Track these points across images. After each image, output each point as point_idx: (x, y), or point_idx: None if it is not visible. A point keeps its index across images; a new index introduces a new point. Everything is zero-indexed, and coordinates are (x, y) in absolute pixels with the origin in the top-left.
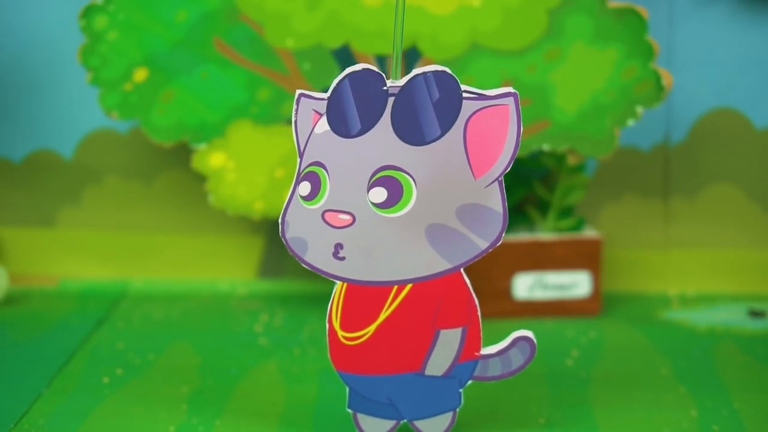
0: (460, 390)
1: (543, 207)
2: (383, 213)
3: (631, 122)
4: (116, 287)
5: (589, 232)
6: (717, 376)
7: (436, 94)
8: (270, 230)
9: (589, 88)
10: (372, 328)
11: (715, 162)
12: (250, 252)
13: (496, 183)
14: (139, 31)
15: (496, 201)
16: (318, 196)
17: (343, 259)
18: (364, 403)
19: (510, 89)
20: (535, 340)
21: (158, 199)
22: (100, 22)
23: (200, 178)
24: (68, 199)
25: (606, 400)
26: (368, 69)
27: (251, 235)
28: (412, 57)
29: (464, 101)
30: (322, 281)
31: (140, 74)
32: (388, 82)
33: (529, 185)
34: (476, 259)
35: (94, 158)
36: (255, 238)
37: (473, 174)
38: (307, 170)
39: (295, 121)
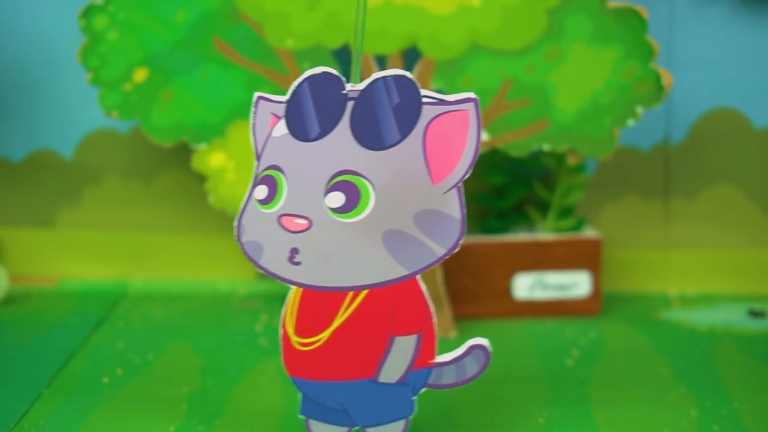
0: (414, 398)
1: (543, 207)
2: (340, 218)
3: (631, 122)
4: (116, 287)
5: (589, 232)
6: (717, 376)
7: (396, 99)
8: None
9: (589, 88)
10: (326, 333)
11: (715, 162)
12: None
13: (455, 189)
14: (139, 31)
15: (454, 207)
16: (274, 200)
17: (298, 263)
18: (317, 409)
19: (470, 95)
20: (489, 348)
21: (158, 199)
22: (100, 22)
23: (200, 178)
24: (68, 199)
25: (606, 400)
26: (328, 72)
27: None
28: (412, 57)
29: (424, 106)
30: None
31: (140, 74)
32: (348, 86)
33: (529, 185)
34: (432, 266)
35: (94, 158)
36: None
37: (432, 180)
38: (264, 174)
39: (254, 124)
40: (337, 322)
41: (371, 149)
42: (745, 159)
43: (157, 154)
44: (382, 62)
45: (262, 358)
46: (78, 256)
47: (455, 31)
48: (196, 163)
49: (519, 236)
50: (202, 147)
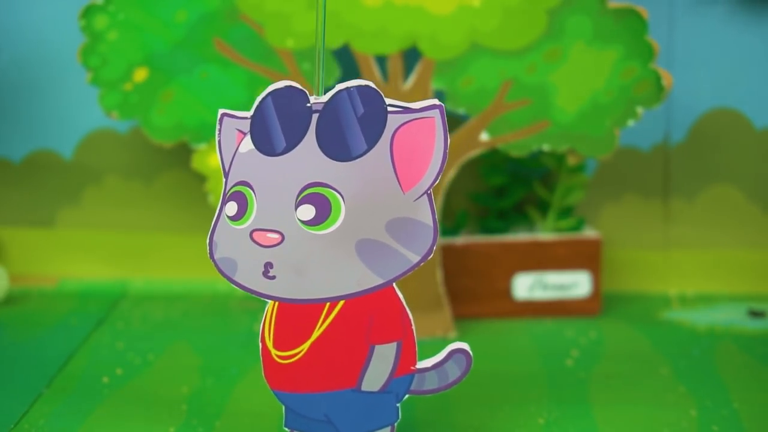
0: (398, 405)
1: (543, 207)
2: (312, 230)
3: (631, 122)
4: (116, 287)
5: (589, 232)
6: (717, 376)
7: (361, 109)
8: None
9: (589, 89)
10: (306, 346)
11: (715, 162)
12: None
13: (426, 196)
14: (139, 31)
15: (426, 214)
16: (245, 215)
17: (273, 278)
18: (301, 421)
19: (435, 101)
20: (470, 352)
21: (158, 199)
22: (100, 22)
23: (200, 178)
24: (68, 199)
25: (606, 399)
26: (291, 86)
27: None
28: (412, 57)
29: (390, 115)
30: None
31: (140, 74)
32: (312, 98)
33: (529, 185)
34: (408, 273)
35: (94, 158)
36: None
37: (402, 188)
38: (233, 190)
39: (219, 141)
40: (316, 333)
41: (339, 160)
42: (745, 159)
43: (157, 154)
44: (382, 62)
45: None
46: (78, 256)
47: (455, 31)
48: (196, 163)
49: (519, 236)
50: (202, 147)
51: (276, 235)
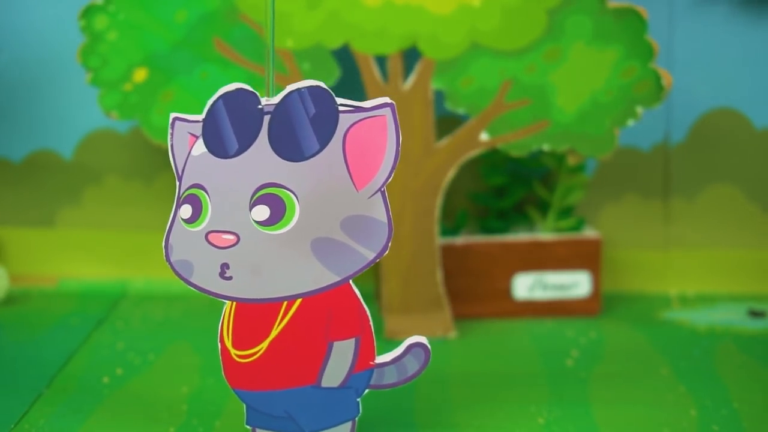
0: (358, 399)
1: (543, 207)
2: (267, 230)
3: (630, 122)
4: (116, 287)
5: (589, 232)
6: (717, 376)
7: (312, 109)
8: None
9: (589, 88)
10: (264, 344)
11: (715, 162)
12: None
13: (379, 193)
14: (139, 32)
15: (380, 211)
16: (200, 218)
17: (230, 278)
18: (263, 418)
19: (386, 99)
20: (429, 346)
21: (158, 199)
22: (100, 22)
23: None
24: (68, 199)
25: (606, 399)
26: (242, 88)
27: None
28: (412, 57)
29: (341, 114)
30: None
31: (140, 74)
32: (263, 100)
33: (529, 185)
34: (364, 270)
35: (93, 158)
36: None
37: (355, 186)
38: (186, 193)
39: (171, 145)
40: (275, 332)
41: (292, 161)
42: (745, 159)
43: (157, 154)
44: (382, 62)
45: None
46: (78, 256)
47: (455, 31)
48: None
49: (519, 236)
50: None
51: (231, 237)
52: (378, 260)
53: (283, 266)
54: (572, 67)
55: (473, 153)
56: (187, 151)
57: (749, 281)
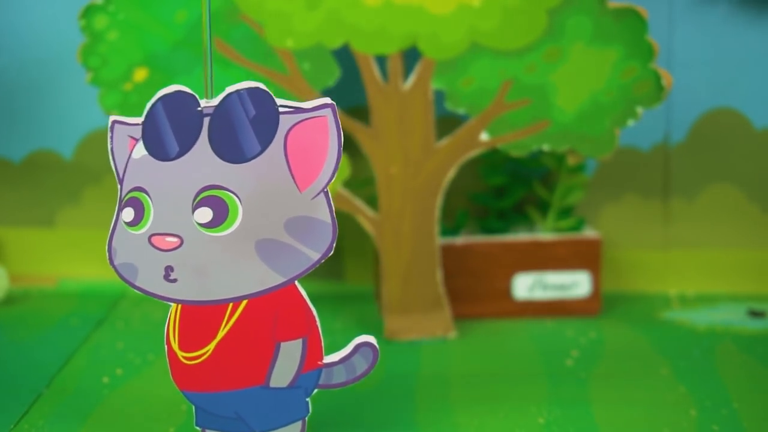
0: (307, 399)
1: (543, 207)
2: (211, 233)
3: (630, 122)
4: (116, 287)
5: (588, 232)
6: (717, 376)
7: (252, 111)
8: None
9: (589, 89)
10: (211, 346)
11: (715, 162)
12: None
13: (323, 194)
14: (139, 31)
15: (324, 212)
16: (143, 221)
17: (174, 281)
18: (212, 419)
19: (327, 100)
20: (377, 345)
21: None
22: (100, 22)
23: None
24: (68, 199)
25: (606, 399)
26: (180, 91)
27: None
28: (412, 57)
29: (282, 116)
30: (322, 281)
31: (140, 74)
32: (203, 102)
33: (529, 185)
34: (309, 271)
35: (93, 158)
36: None
37: (298, 187)
38: (128, 196)
39: (111, 149)
40: (221, 333)
41: (233, 162)
42: (744, 159)
43: None
44: (382, 62)
45: None
46: (78, 256)
47: (455, 31)
48: None
49: (519, 236)
50: None
51: (174, 239)
52: (323, 261)
53: (227, 268)
54: (572, 67)
55: (473, 153)
56: (128, 154)
57: (749, 281)
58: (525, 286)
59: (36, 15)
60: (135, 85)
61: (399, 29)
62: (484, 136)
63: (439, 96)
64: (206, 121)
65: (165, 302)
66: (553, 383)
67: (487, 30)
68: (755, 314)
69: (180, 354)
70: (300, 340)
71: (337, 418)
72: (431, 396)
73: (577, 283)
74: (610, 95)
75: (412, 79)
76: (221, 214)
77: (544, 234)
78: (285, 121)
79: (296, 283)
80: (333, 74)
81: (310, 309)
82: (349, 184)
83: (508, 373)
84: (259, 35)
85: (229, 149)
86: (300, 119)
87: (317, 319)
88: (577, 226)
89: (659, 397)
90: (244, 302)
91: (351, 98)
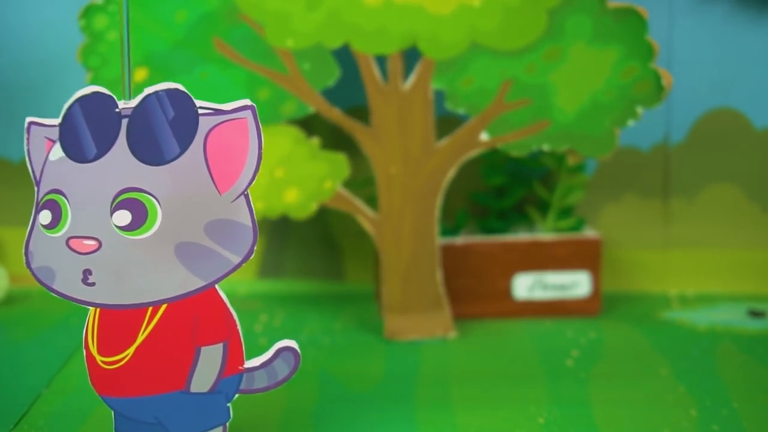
0: (228, 404)
1: (543, 207)
2: (129, 235)
3: (630, 122)
4: None
5: (588, 232)
6: (717, 376)
7: (171, 113)
8: (270, 231)
9: (589, 88)
10: (131, 350)
11: (715, 162)
12: None
13: (243, 197)
14: (139, 31)
15: (244, 215)
16: (60, 223)
17: (93, 284)
18: (131, 424)
19: (247, 102)
20: (298, 350)
21: None
22: (100, 22)
23: None
24: None
25: (606, 399)
26: (98, 92)
27: None
28: (412, 57)
29: (201, 117)
30: (323, 281)
31: (140, 74)
32: (121, 104)
33: (529, 185)
34: (230, 274)
35: None
36: None
37: (218, 190)
38: (45, 198)
39: (28, 150)
40: (140, 338)
41: (152, 165)
42: (744, 159)
43: None
44: (382, 62)
45: None
46: None
47: (455, 31)
48: None
49: (519, 236)
50: None
51: (93, 242)
52: (243, 264)
53: (146, 271)
54: (572, 67)
55: (473, 153)
56: (44, 156)
57: (749, 281)
58: (525, 286)
59: (36, 15)
60: (135, 85)
61: (399, 29)
62: (484, 136)
63: (439, 96)
64: (125, 122)
65: (85, 306)
66: (553, 383)
67: (487, 30)
68: (755, 314)
69: (99, 358)
70: (221, 345)
71: (337, 417)
72: (431, 396)
73: (577, 283)
74: (610, 95)
75: (412, 79)
76: (140, 216)
77: (544, 234)
78: (204, 123)
79: (216, 286)
80: (333, 74)
81: (230, 313)
82: (349, 184)
83: (508, 373)
84: (259, 35)
85: (148, 151)
86: (220, 121)
87: (238, 323)
88: (577, 226)
89: (659, 397)
90: (164, 306)
91: (351, 98)
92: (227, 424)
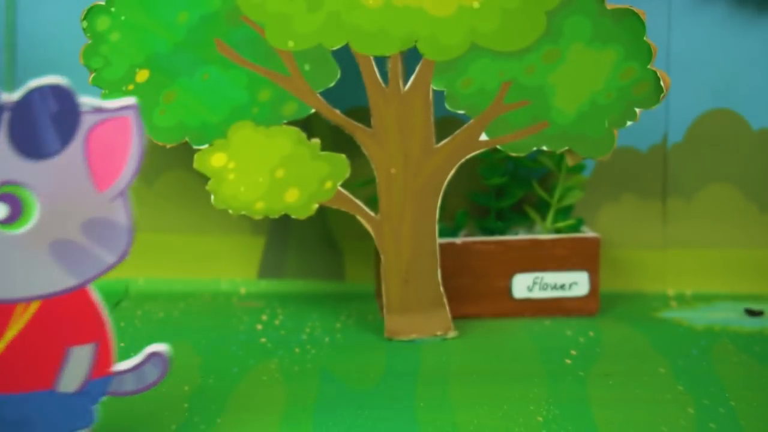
0: (95, 406)
1: (542, 207)
2: (4, 230)
3: (629, 123)
4: (118, 287)
5: (587, 232)
6: (714, 375)
7: (54, 108)
8: (271, 230)
9: (588, 90)
10: None
11: (713, 162)
12: (251, 252)
13: (122, 196)
14: (140, 33)
15: (122, 214)
16: None
17: None
18: None
19: (130, 101)
20: (167, 355)
21: (160, 200)
22: (103, 23)
23: (202, 179)
24: None
25: (604, 398)
26: None
27: (252, 235)
28: (412, 58)
29: (84, 114)
30: (323, 281)
31: (142, 75)
32: (2, 96)
33: (528, 185)
34: (104, 274)
35: None
36: (256, 238)
37: (97, 188)
38: None
39: None
40: (10, 334)
41: (31, 159)
42: (742, 159)
43: (159, 154)
44: (382, 63)
45: (263, 357)
46: None
47: (455, 33)
48: (198, 163)
49: (518, 236)
50: (203, 146)
51: None
52: (119, 264)
53: (20, 267)
54: (571, 68)
55: (473, 153)
56: None
57: (747, 281)
58: (524, 285)
59: (39, 16)
60: (137, 86)
61: (399, 30)
62: (483, 137)
63: (439, 96)
64: (6, 115)
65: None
66: (552, 382)
67: (486, 31)
68: (752, 313)
69: None
70: (90, 346)
71: (338, 416)
72: (431, 395)
73: (575, 283)
74: (608, 96)
75: (412, 80)
76: (16, 211)
77: (543, 234)
78: (87, 120)
79: (89, 286)
80: (333, 75)
81: (102, 314)
82: (349, 184)
83: (508, 372)
84: (260, 36)
85: (29, 145)
86: (101, 118)
87: (109, 324)
88: (576, 226)
89: (657, 396)
90: (36, 303)
91: (351, 99)
92: (92, 427)
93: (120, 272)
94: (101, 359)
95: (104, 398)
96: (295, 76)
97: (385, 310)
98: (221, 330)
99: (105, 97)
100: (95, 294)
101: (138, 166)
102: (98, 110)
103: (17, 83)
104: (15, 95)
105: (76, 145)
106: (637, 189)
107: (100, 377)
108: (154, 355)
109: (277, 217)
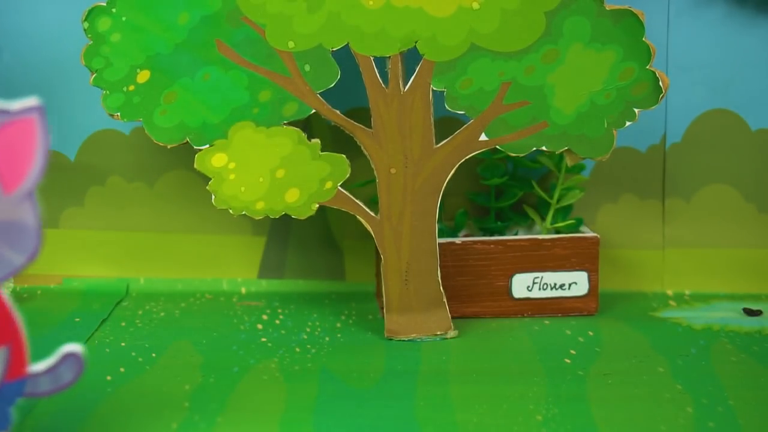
0: (11, 409)
1: (541, 207)
2: None
3: (628, 123)
4: (119, 286)
5: (586, 232)
6: (713, 374)
7: None
8: (271, 230)
9: (587, 90)
10: None
11: (711, 163)
12: (252, 252)
13: (29, 197)
14: (141, 33)
15: (30, 216)
16: None
17: None
18: None
19: (34, 102)
20: (82, 356)
21: (161, 200)
22: (104, 24)
23: (203, 179)
24: (72, 199)
25: (603, 397)
26: None
27: (253, 235)
28: (411, 58)
29: None
30: (323, 281)
31: (143, 76)
32: None
33: (528, 185)
34: (11, 276)
35: (97, 159)
36: (257, 238)
37: (4, 190)
38: None
39: None
40: None
41: None
42: (740, 160)
43: (160, 154)
44: (382, 63)
45: (263, 356)
46: (82, 255)
47: (455, 33)
48: (199, 163)
49: (517, 236)
50: (204, 148)
51: None
52: (27, 265)
53: None
54: (570, 68)
55: (473, 154)
56: None
57: (745, 280)
58: (524, 285)
59: (40, 17)
60: (138, 87)
61: (399, 31)
62: (483, 137)
63: (439, 96)
64: None
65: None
66: (551, 381)
67: (486, 32)
68: (751, 313)
69: None
70: (3, 349)
71: (338, 415)
72: (431, 394)
73: (575, 283)
74: (608, 96)
75: (412, 80)
76: None
77: (543, 234)
78: None
79: (1, 289)
80: (333, 76)
81: (14, 316)
82: (349, 184)
83: (507, 371)
84: (260, 37)
85: None
86: (5, 120)
87: (21, 326)
88: (575, 226)
89: (656, 395)
90: None
91: (351, 99)
92: (9, 430)
93: (122, 272)
94: (14, 362)
95: (20, 400)
96: (295, 76)
97: (385, 310)
98: (222, 329)
99: (106, 97)
100: (6, 296)
101: (44, 166)
102: (1, 112)
103: (14, 83)
104: None
105: None
106: (636, 189)
107: (14, 380)
108: (69, 355)
109: (277, 217)
